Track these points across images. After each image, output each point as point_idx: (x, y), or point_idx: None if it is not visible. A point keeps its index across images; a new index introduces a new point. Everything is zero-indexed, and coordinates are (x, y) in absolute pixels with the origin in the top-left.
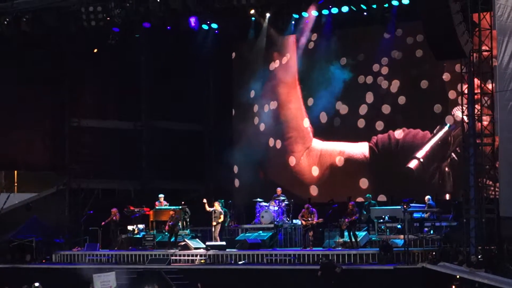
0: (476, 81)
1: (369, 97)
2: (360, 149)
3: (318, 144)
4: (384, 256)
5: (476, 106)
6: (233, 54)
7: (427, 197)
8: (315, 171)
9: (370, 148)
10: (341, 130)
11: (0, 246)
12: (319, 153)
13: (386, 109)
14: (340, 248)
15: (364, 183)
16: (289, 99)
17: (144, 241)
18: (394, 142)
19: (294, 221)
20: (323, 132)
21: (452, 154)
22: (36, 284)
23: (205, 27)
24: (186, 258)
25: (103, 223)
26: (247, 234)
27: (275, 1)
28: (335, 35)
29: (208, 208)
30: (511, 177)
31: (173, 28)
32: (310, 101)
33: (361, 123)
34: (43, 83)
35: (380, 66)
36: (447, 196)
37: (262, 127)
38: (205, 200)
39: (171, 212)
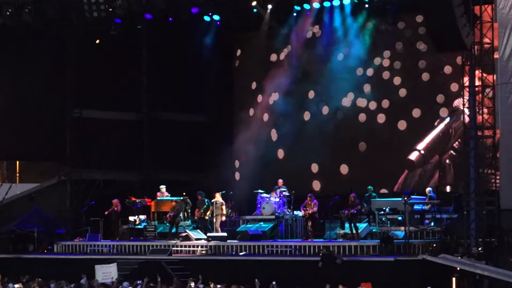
0: (477, 74)
1: (369, 90)
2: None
3: None
4: (385, 248)
5: (477, 98)
6: (235, 46)
7: (428, 189)
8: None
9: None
10: (344, 123)
11: (2, 236)
12: None
13: (386, 102)
14: (340, 240)
15: (362, 174)
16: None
17: (146, 232)
18: (395, 135)
19: (295, 212)
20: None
21: (453, 146)
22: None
23: (207, 18)
24: (187, 249)
25: (106, 212)
26: (248, 225)
27: None
28: (337, 27)
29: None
30: None
31: (174, 19)
32: (311, 94)
33: (362, 116)
34: (44, 74)
35: (381, 59)
36: (448, 188)
37: (264, 118)
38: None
39: (173, 203)
